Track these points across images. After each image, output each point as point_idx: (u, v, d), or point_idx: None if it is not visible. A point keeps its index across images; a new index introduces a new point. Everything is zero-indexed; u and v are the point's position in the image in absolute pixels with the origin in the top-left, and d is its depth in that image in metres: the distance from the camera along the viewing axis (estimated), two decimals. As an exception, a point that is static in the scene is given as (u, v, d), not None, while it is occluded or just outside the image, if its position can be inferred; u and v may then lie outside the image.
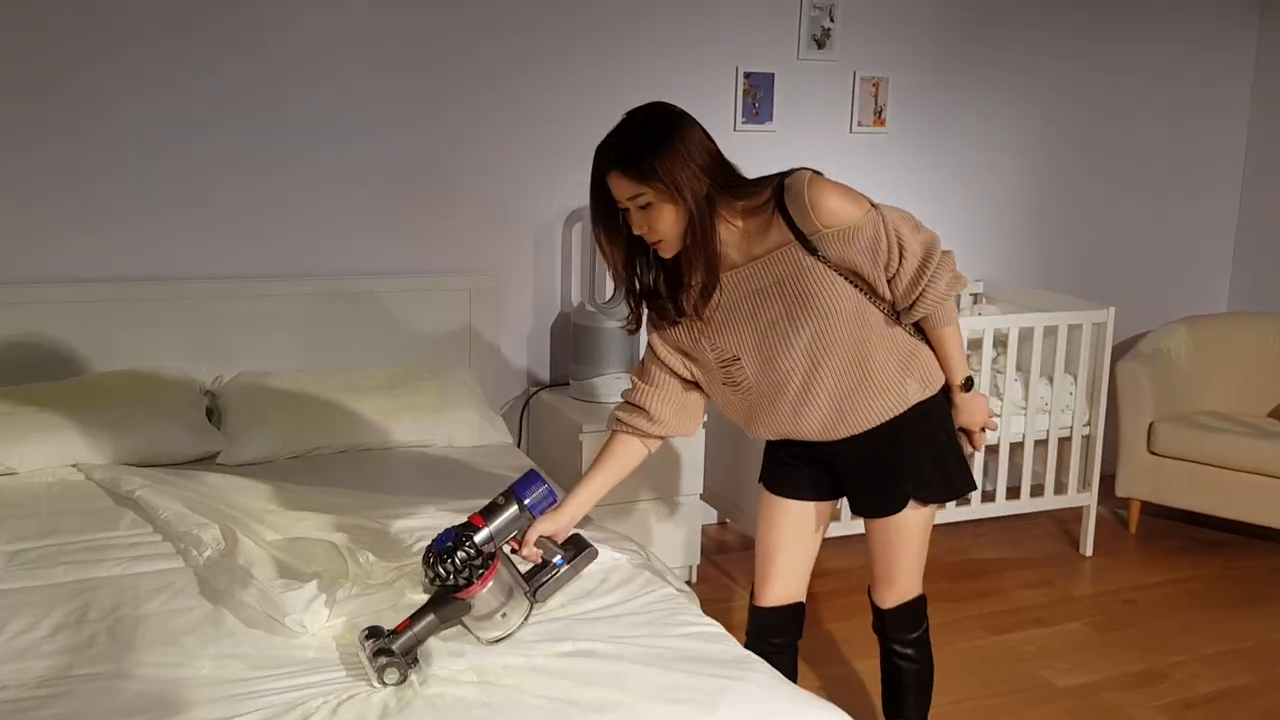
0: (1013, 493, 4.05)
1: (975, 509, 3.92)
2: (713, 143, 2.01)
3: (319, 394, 3.27)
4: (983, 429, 2.27)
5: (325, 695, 1.83)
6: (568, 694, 1.86)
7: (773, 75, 3.96)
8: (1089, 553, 4.06)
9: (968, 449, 2.29)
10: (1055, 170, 4.59)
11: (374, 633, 1.89)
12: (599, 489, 2.19)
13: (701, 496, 3.62)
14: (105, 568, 2.33)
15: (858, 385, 2.11)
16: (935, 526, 4.07)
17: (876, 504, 2.24)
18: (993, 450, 4.05)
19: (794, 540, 2.31)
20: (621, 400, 2.31)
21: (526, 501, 2.00)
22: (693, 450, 3.55)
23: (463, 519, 2.47)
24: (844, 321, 2.06)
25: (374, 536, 2.48)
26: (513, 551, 2.04)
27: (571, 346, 3.66)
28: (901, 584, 2.32)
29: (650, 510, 3.53)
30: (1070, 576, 3.88)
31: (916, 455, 2.18)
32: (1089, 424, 4.02)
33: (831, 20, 4.00)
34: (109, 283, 3.29)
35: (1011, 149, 4.49)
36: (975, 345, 4.04)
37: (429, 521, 2.56)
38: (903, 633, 2.36)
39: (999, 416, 3.90)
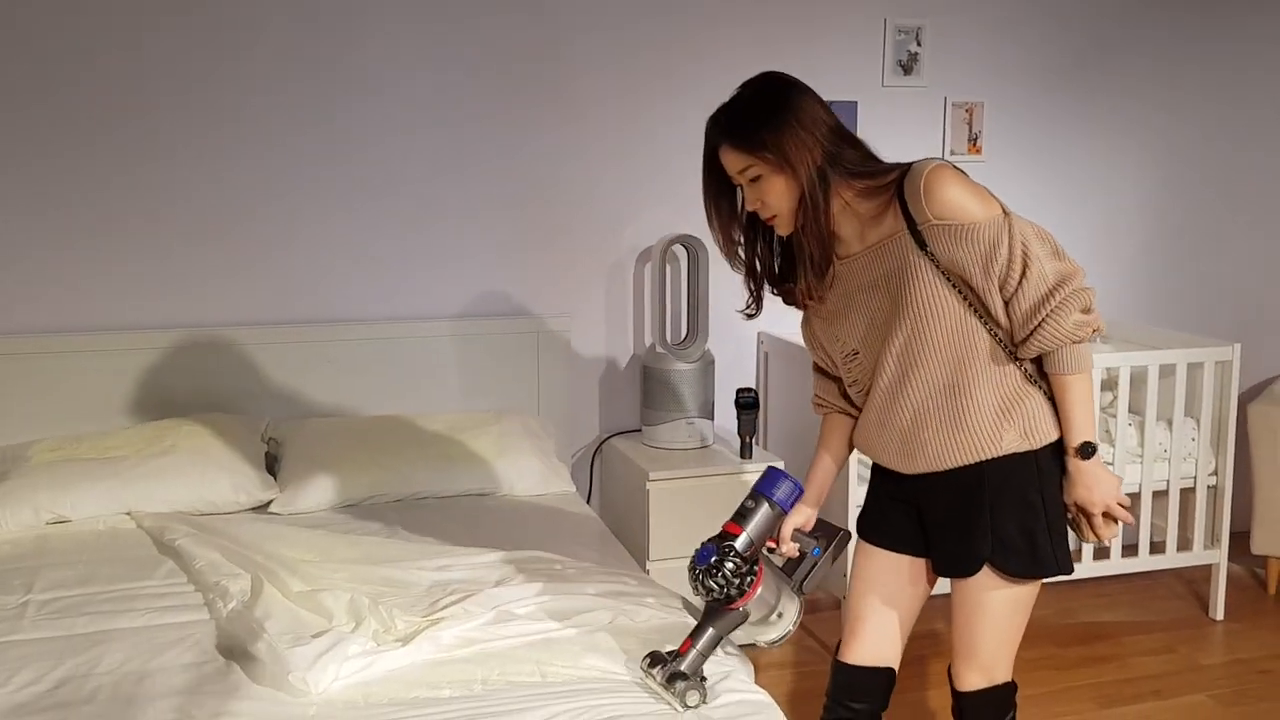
0: (1130, 549, 3.69)
1: (1088, 566, 3.59)
2: (830, 114, 1.89)
3: (379, 441, 3.18)
4: (1107, 515, 1.91)
5: None
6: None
7: (856, 104, 3.77)
8: (1219, 616, 3.67)
9: (1083, 535, 1.95)
10: (1170, 199, 4.25)
11: (656, 659, 1.90)
12: (830, 470, 2.13)
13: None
14: (128, 619, 2.26)
15: (943, 412, 1.89)
16: (1045, 585, 3.74)
17: (950, 560, 1.98)
18: (1106, 502, 3.71)
19: (887, 597, 2.07)
20: (814, 392, 2.21)
21: (776, 498, 1.97)
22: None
23: (491, 574, 2.34)
24: (941, 334, 1.86)
25: (406, 589, 2.36)
26: (770, 550, 2.02)
27: (642, 390, 3.50)
28: (982, 662, 2.01)
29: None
30: (1196, 642, 3.50)
31: (1002, 514, 1.90)
32: (1215, 473, 3.65)
33: (919, 44, 3.79)
34: (171, 329, 3.28)
35: (1121, 176, 4.18)
36: (1084, 387, 3.73)
37: (466, 575, 2.43)
38: None
39: (1111, 464, 3.57)
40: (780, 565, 2.03)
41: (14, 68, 3.10)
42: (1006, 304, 1.84)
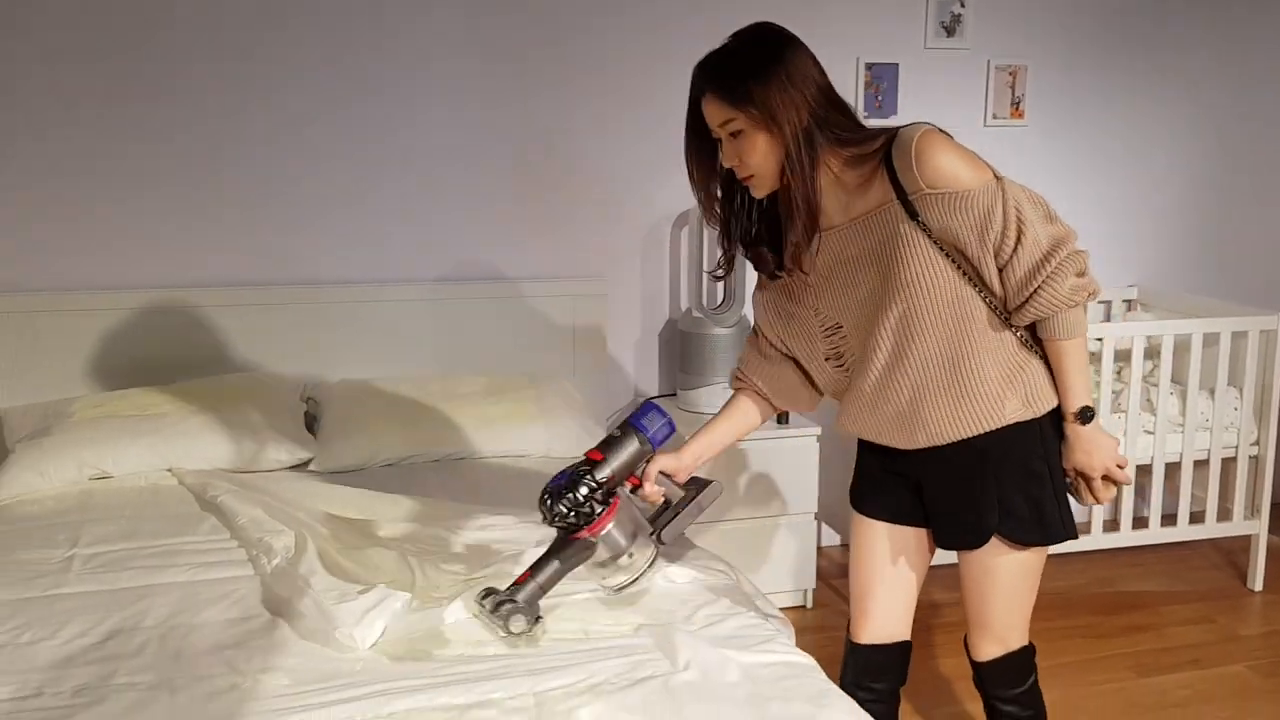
0: (1169, 519, 3.66)
1: (1126, 535, 3.56)
2: (823, 75, 1.79)
3: (416, 401, 3.18)
4: (1106, 479, 1.91)
5: (363, 714, 1.71)
6: (622, 723, 1.68)
7: (897, 66, 3.71)
8: (1258, 587, 3.64)
9: (1083, 499, 1.93)
10: (1218, 166, 4.18)
11: (490, 591, 1.81)
12: (722, 438, 2.05)
13: (816, 516, 3.39)
14: (173, 574, 2.27)
15: (944, 386, 1.84)
16: (1081, 554, 3.74)
17: (957, 534, 1.95)
18: (1145, 471, 3.68)
19: (892, 571, 2.04)
20: (738, 364, 2.14)
21: (647, 432, 1.85)
22: (804, 465, 3.32)
23: (533, 534, 2.33)
24: (938, 307, 1.79)
25: (448, 547, 2.36)
26: (633, 490, 1.90)
27: (679, 354, 3.49)
28: (997, 632, 2.00)
29: (757, 529, 3.32)
30: (1235, 613, 3.48)
31: (1007, 484, 1.88)
32: (1257, 443, 3.61)
33: (962, 5, 3.72)
34: (213, 288, 3.28)
35: (1168, 142, 4.11)
36: (1125, 356, 3.69)
37: (506, 534, 2.43)
38: (1004, 688, 2.06)
39: (1152, 433, 3.54)
40: (649, 515, 1.92)
41: (36, 35, 3.09)
42: (1001, 271, 1.78)
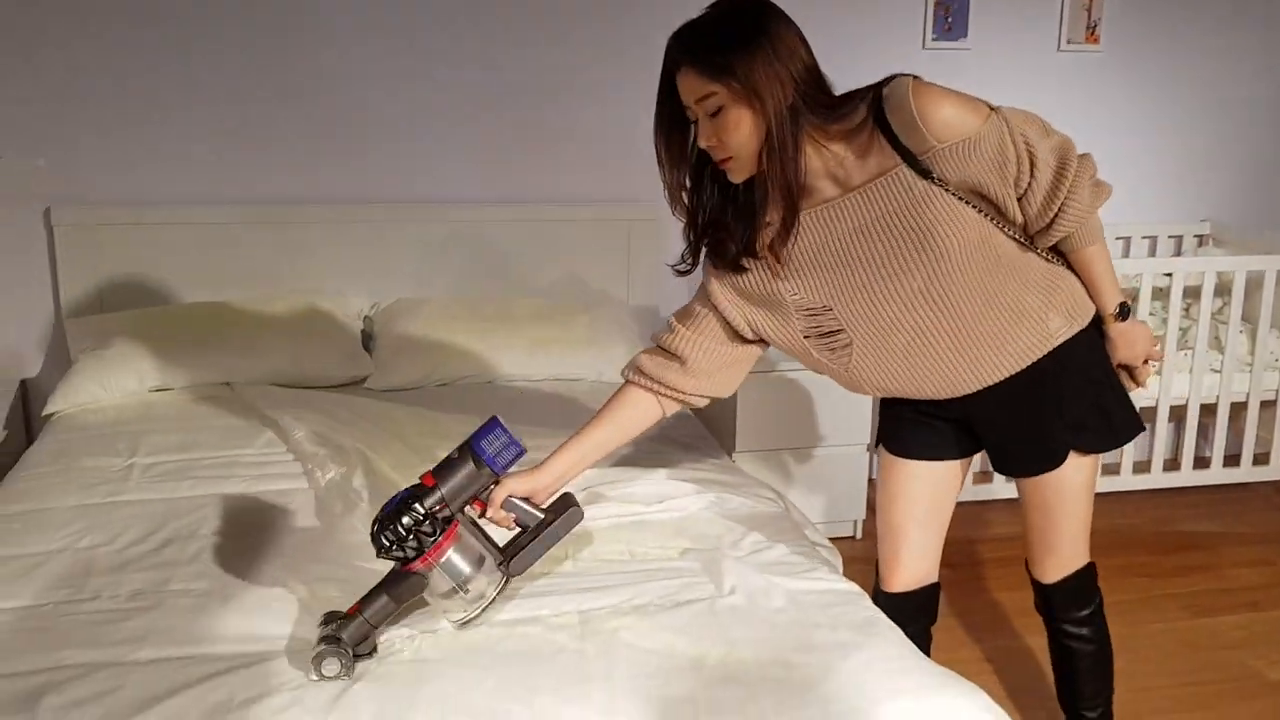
0: (1232, 460, 3.59)
1: (1187, 475, 3.50)
2: (808, 51, 1.65)
3: (471, 323, 3.19)
4: (1146, 361, 1.91)
5: (411, 628, 1.73)
6: (668, 645, 1.69)
7: (969, -12, 3.59)
8: (1322, 531, 3.57)
9: (1130, 386, 1.93)
10: (1305, 96, 4.01)
11: (330, 617, 1.65)
12: (596, 447, 1.87)
13: (869, 446, 3.36)
14: (230, 485, 2.31)
15: (987, 330, 1.77)
16: (1139, 493, 3.67)
17: (1031, 461, 1.91)
18: (1210, 410, 3.59)
19: (926, 511, 2.00)
20: (651, 344, 1.95)
21: (485, 455, 1.69)
22: (858, 396, 3.28)
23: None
24: (968, 257, 1.72)
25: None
26: (481, 515, 1.75)
27: (734, 281, 3.45)
28: (1065, 552, 1.99)
29: (807, 459, 3.30)
30: (1296, 556, 3.41)
31: (1071, 400, 1.85)
32: (1329, 385, 3.51)
33: (1039, -77, 3.58)
34: (272, 205, 3.29)
35: (1247, 72, 3.94)
36: (1194, 292, 3.59)
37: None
38: (1072, 610, 2.04)
39: (1219, 372, 3.45)
40: (505, 541, 1.77)
41: (114, -64, 3.08)
42: (1020, 200, 1.72)
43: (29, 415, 3.25)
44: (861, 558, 3.27)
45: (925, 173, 1.68)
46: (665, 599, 1.83)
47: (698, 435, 2.74)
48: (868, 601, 1.85)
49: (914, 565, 2.03)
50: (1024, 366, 1.81)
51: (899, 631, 1.76)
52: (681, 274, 1.83)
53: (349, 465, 2.34)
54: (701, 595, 1.85)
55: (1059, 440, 1.87)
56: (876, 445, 2.06)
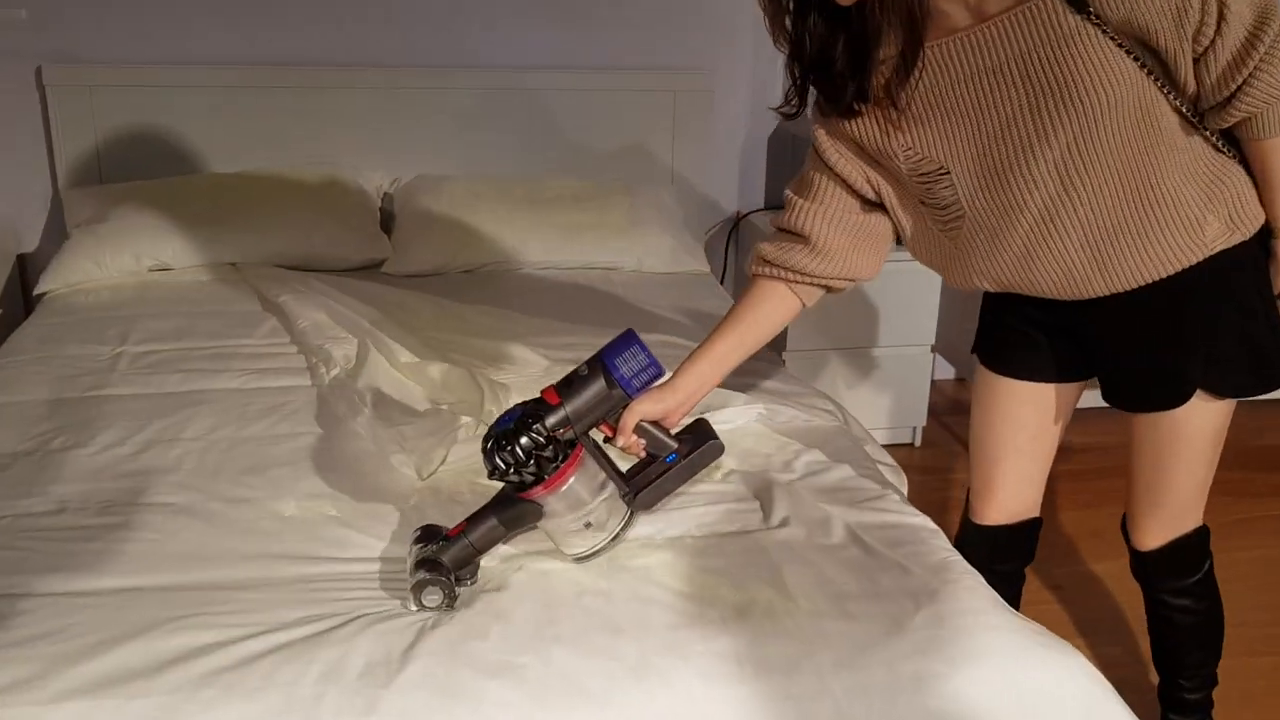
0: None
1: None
2: None
3: (499, 204, 2.91)
4: None
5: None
6: (706, 589, 1.45)
7: None
8: None
9: None
10: None
11: (427, 534, 1.45)
12: (729, 354, 1.60)
13: (933, 348, 3.08)
14: (224, 379, 2.08)
15: (1130, 220, 1.45)
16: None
17: (1147, 392, 1.59)
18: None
19: (1027, 437, 1.71)
20: (771, 229, 1.66)
21: (618, 374, 1.46)
22: (923, 291, 2.99)
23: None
24: (1120, 122, 1.38)
25: (524, 367, 2.12)
26: (606, 440, 1.52)
27: (789, 162, 3.13)
28: (1172, 511, 1.68)
29: (867, 360, 3.03)
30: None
31: (1214, 325, 1.52)
32: None
33: None
34: (284, 66, 2.99)
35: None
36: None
37: (591, 354, 2.17)
38: (1172, 579, 1.76)
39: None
40: (626, 466, 1.54)
41: None
42: (1196, 62, 1.38)
43: (27, 291, 3.04)
44: (920, 467, 3.03)
45: (1080, 4, 1.34)
46: (705, 531, 1.59)
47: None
48: (943, 540, 1.60)
49: (1011, 497, 1.76)
50: (1164, 275, 1.48)
51: (978, 577, 1.51)
52: (787, 117, 1.52)
53: (356, 360, 2.10)
54: (748, 526, 1.61)
55: (1190, 373, 1.54)
56: (974, 354, 1.77)
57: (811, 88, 1.49)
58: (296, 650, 1.31)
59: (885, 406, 3.08)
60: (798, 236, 1.60)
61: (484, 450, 1.42)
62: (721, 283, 3.29)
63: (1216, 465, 1.66)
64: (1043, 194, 1.44)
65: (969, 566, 1.53)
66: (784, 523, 1.61)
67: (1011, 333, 1.67)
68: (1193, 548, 1.72)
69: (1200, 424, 1.58)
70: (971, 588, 1.47)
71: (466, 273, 2.80)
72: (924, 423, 3.14)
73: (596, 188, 3.02)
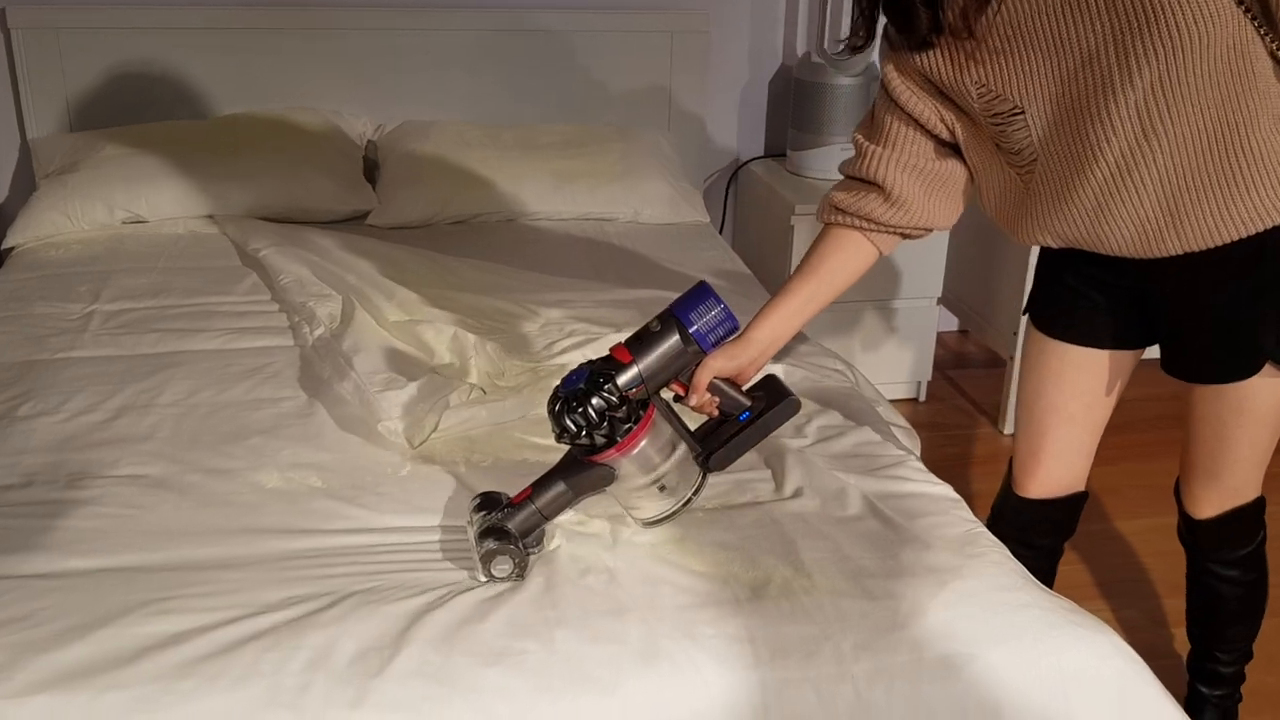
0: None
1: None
2: None
3: (489, 151, 2.79)
4: None
5: (406, 529, 1.42)
6: (717, 567, 1.37)
7: None
8: None
9: None
10: None
11: (488, 501, 1.39)
12: (804, 306, 1.49)
13: (939, 300, 2.98)
14: (202, 339, 1.98)
15: (1212, 173, 1.32)
16: None
17: (1213, 362, 1.47)
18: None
19: (1081, 405, 1.60)
20: (841, 175, 1.57)
21: (693, 329, 1.39)
22: (931, 244, 2.89)
23: (617, 315, 1.98)
24: (1211, 62, 1.25)
25: (518, 324, 2.02)
26: (676, 399, 1.45)
27: (791, 108, 3.01)
28: (1232, 482, 1.58)
29: (871, 314, 2.93)
30: None
31: None
32: None
33: None
34: (267, 7, 2.84)
35: None
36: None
37: (587, 311, 2.08)
38: (1225, 550, 1.67)
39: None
40: (694, 425, 1.47)
41: None
42: None
43: (-3, 245, 2.92)
44: (926, 424, 2.96)
45: None
46: (715, 502, 1.51)
47: (746, 289, 2.36)
48: (966, 510, 1.51)
49: (1058, 469, 1.65)
50: (1245, 235, 1.35)
51: (1004, 551, 1.43)
52: (854, 50, 1.41)
53: (341, 319, 1.99)
54: (760, 497, 1.53)
55: (1262, 342, 1.42)
56: (1026, 315, 1.65)
57: (881, 17, 1.37)
58: (281, 635, 1.23)
59: (890, 361, 2.98)
60: (870, 184, 1.50)
61: (551, 412, 1.35)
62: (720, 233, 3.19)
63: None
64: (1121, 140, 1.32)
65: (995, 540, 1.44)
66: (797, 493, 1.52)
67: (1069, 292, 1.56)
68: (1249, 519, 1.63)
69: (1267, 398, 1.48)
70: (998, 563, 1.39)
71: (455, 224, 2.69)
72: (929, 377, 3.06)
73: (589, 133, 2.91)
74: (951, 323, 3.55)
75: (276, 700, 1.15)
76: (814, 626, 1.27)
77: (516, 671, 1.20)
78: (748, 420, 1.43)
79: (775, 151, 3.22)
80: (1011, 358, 2.87)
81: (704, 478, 1.43)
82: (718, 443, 1.43)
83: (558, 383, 1.37)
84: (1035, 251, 2.76)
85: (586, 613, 1.28)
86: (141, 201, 2.53)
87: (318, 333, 1.96)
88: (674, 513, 1.42)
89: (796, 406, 1.45)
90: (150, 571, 1.33)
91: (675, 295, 1.43)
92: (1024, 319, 1.67)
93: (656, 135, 2.97)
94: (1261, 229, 1.34)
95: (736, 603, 1.30)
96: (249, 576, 1.33)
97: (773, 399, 1.44)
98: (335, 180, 2.68)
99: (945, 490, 1.55)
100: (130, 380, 1.80)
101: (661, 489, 1.39)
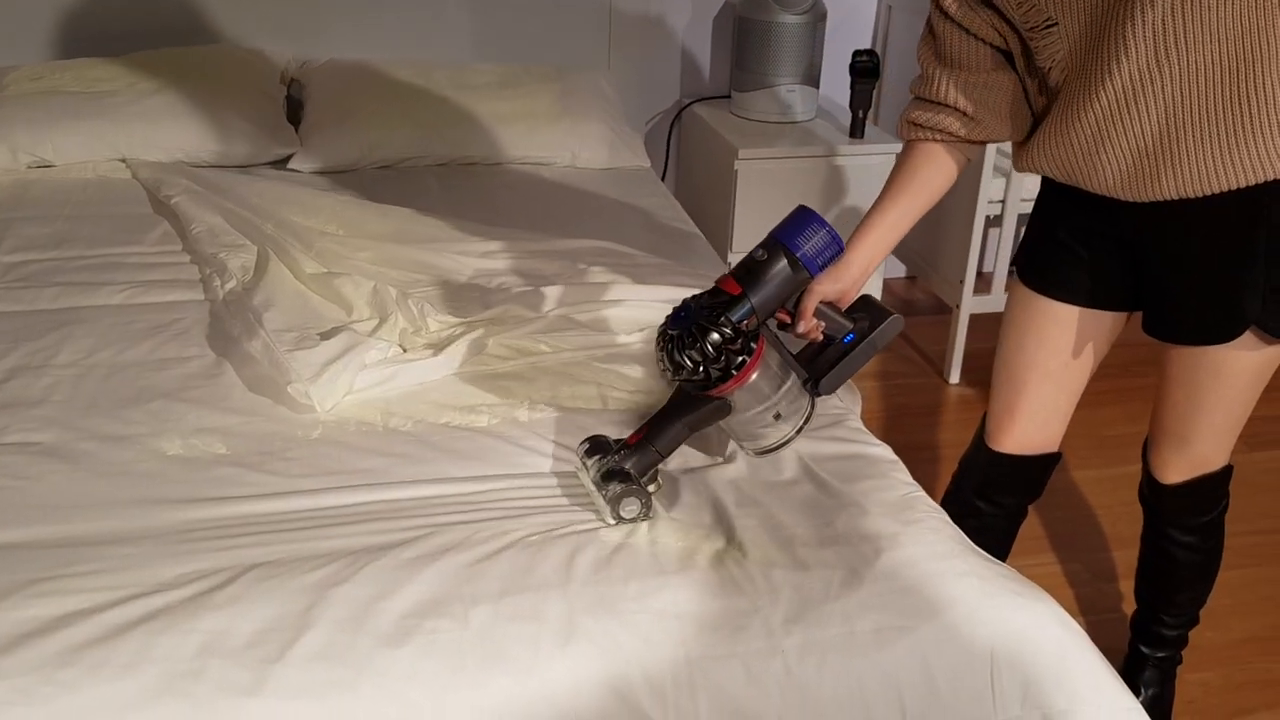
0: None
1: None
2: None
3: (420, 91, 2.66)
4: None
5: (317, 506, 1.34)
6: (649, 535, 1.30)
7: None
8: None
9: None
10: None
11: (597, 446, 1.38)
12: (901, 220, 1.47)
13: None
14: (105, 294, 1.86)
15: (1217, 111, 1.26)
16: None
17: (1194, 322, 1.42)
18: None
19: (1059, 363, 1.56)
20: (911, 95, 1.52)
21: (802, 253, 1.36)
22: (878, 187, 2.81)
23: (548, 266, 1.90)
24: None
25: (444, 277, 1.93)
26: (780, 326, 1.42)
27: (734, 46, 2.91)
28: (1203, 449, 1.55)
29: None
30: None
31: None
32: None
33: None
34: (175, -61, 2.69)
35: None
36: None
37: (518, 263, 1.99)
38: (1186, 517, 1.64)
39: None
40: (794, 351, 1.46)
41: None
42: None
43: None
44: (871, 373, 2.90)
45: None
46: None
47: (687, 237, 2.28)
48: (905, 474, 1.46)
49: (1032, 426, 1.62)
50: (1243, 185, 1.29)
51: (943, 516, 1.38)
52: None
53: (255, 271, 1.89)
54: (691, 462, 1.46)
55: (1246, 305, 1.37)
56: (1013, 268, 1.61)
57: None
58: (175, 617, 1.15)
59: (834, 309, 2.93)
60: (940, 104, 1.46)
61: (661, 350, 1.33)
62: (663, 179, 3.09)
63: (1254, 406, 1.52)
64: (1134, 62, 1.26)
65: (933, 504, 1.39)
66: (730, 458, 1.46)
67: (1059, 247, 1.51)
68: (1215, 487, 1.60)
69: (1246, 364, 1.43)
70: (936, 529, 1.33)
71: (382, 169, 2.57)
72: (872, 326, 3.00)
73: (525, 72, 2.79)
74: (899, 269, 3.49)
75: (168, 689, 1.07)
76: (743, 599, 1.21)
77: (427, 652, 1.13)
78: (852, 342, 1.42)
79: (719, 93, 3.12)
80: (958, 306, 2.82)
81: (814, 403, 1.42)
82: (825, 366, 1.42)
83: (662, 322, 1.34)
84: (984, 197, 2.70)
85: (504, 588, 1.21)
86: (47, 145, 2.39)
87: (229, 286, 1.86)
88: (789, 440, 1.41)
89: (900, 324, 1.44)
90: (34, 548, 1.24)
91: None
92: (1010, 271, 1.63)
93: (596, 75, 2.86)
94: (1260, 181, 1.29)
95: (662, 575, 1.24)
96: (142, 552, 1.24)
97: (875, 318, 1.43)
98: (255, 122, 2.55)
99: (884, 451, 1.50)
100: (25, 339, 1.69)
101: (776, 417, 1.38)
